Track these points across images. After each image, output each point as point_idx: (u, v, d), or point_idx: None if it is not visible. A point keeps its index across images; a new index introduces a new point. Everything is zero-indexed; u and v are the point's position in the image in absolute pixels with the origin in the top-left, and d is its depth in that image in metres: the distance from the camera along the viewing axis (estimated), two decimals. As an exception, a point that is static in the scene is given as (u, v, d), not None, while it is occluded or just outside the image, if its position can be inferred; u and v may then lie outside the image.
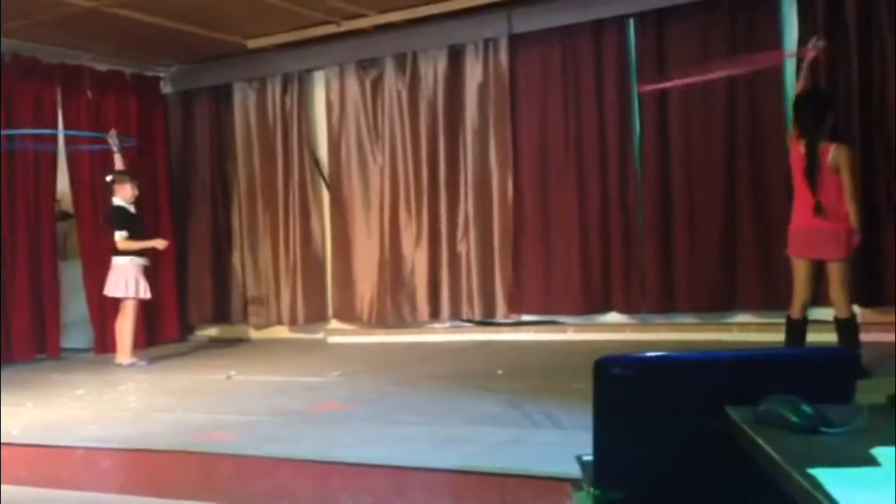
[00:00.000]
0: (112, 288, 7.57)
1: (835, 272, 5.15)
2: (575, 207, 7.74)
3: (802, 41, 6.81)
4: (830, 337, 5.35)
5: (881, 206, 6.57)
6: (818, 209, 5.07)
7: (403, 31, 8.30)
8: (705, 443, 1.89)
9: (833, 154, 5.12)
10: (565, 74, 7.83)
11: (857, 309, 6.01)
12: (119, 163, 7.91)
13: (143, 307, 7.95)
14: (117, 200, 7.62)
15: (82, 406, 5.73)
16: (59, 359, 8.25)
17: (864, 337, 5.61)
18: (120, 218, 7.56)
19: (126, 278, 7.50)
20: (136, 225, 7.67)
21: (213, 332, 9.59)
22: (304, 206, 9.00)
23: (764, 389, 1.76)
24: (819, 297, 5.57)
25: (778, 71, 6.99)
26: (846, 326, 5.14)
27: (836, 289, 5.16)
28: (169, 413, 5.30)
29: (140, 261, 7.59)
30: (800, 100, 5.45)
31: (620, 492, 1.98)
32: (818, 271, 5.28)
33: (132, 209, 7.65)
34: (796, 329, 5.24)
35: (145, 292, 7.61)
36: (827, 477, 1.35)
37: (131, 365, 7.48)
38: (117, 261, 7.57)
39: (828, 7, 6.77)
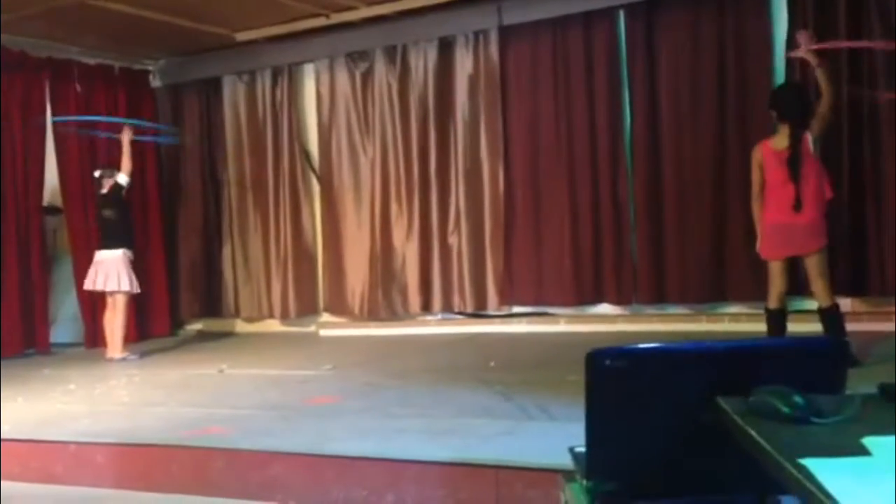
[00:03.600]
0: (101, 282, 7.55)
1: (814, 264, 5.16)
2: (566, 199, 7.74)
3: (792, 31, 6.84)
4: (811, 327, 5.38)
5: (866, 198, 6.60)
6: (798, 204, 5.05)
7: (393, 24, 8.28)
8: (697, 433, 1.90)
9: (812, 140, 5.14)
10: (555, 66, 7.82)
11: (845, 299, 6.05)
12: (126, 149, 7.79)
13: (134, 301, 7.94)
14: (105, 191, 7.72)
15: (74, 401, 5.72)
16: (49, 353, 8.23)
17: (854, 326, 5.66)
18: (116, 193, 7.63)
19: (117, 271, 7.49)
20: (126, 211, 7.72)
21: (203, 325, 9.58)
22: (295, 200, 8.99)
23: (755, 380, 1.77)
24: (803, 288, 5.60)
25: (767, 64, 7.00)
26: (831, 316, 5.16)
27: (817, 280, 5.17)
28: (161, 407, 5.29)
29: (128, 253, 7.59)
30: (780, 92, 5.45)
31: (613, 483, 1.99)
32: (792, 261, 5.30)
33: (123, 194, 7.74)
34: (777, 320, 5.25)
35: (135, 286, 7.61)
36: (818, 467, 1.36)
37: (123, 359, 7.47)
38: (104, 255, 7.56)
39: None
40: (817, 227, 5.13)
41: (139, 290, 7.76)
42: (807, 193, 5.06)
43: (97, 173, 7.80)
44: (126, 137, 7.85)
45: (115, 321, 7.56)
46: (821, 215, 5.13)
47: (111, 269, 7.52)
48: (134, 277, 7.60)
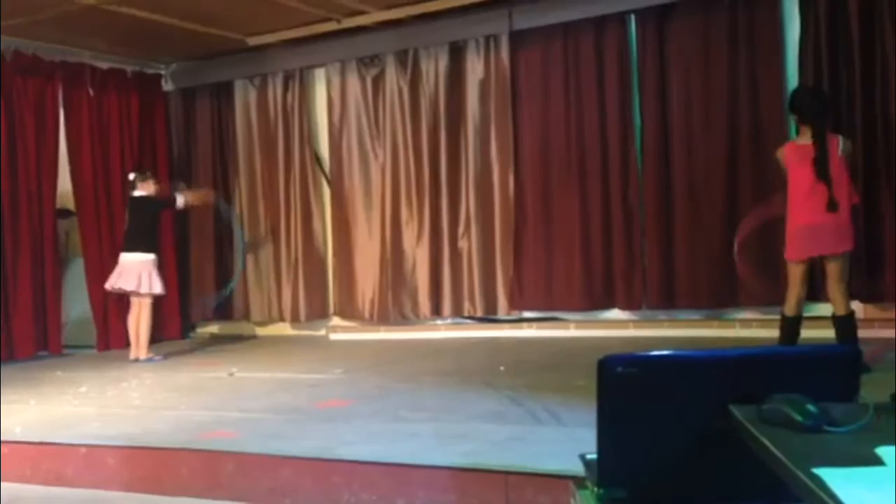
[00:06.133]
0: (130, 283, 7.60)
1: (836, 268, 5.11)
2: (576, 204, 7.74)
3: (803, 43, 6.83)
4: (821, 333, 5.35)
5: (882, 201, 6.57)
6: (832, 205, 4.99)
7: (404, 28, 8.29)
8: (709, 442, 1.89)
9: (843, 145, 5.12)
10: (566, 71, 7.82)
11: (858, 304, 6.02)
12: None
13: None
14: (140, 192, 7.78)
15: (85, 403, 5.74)
16: (61, 356, 8.26)
17: (866, 332, 5.62)
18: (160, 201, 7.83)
19: (145, 274, 7.56)
20: (157, 217, 7.89)
21: (214, 329, 9.60)
22: (306, 203, 9.00)
23: (768, 388, 1.76)
24: (817, 293, 5.57)
25: (779, 68, 6.99)
26: (845, 323, 5.12)
27: (836, 285, 5.13)
28: (172, 410, 5.30)
29: (153, 256, 7.67)
30: (798, 95, 5.43)
31: (624, 490, 1.98)
32: (812, 268, 5.28)
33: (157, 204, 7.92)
34: (792, 327, 5.21)
35: (161, 288, 7.72)
36: (832, 477, 1.35)
37: (149, 360, 7.53)
38: (132, 257, 7.61)
39: (829, 7, 6.75)
40: (846, 229, 5.08)
41: (165, 292, 7.90)
42: (836, 194, 5.01)
43: (131, 176, 7.86)
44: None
45: (141, 323, 7.63)
46: (849, 218, 5.10)
47: (138, 272, 7.58)
48: (158, 279, 7.70)
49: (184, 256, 9.50)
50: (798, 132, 5.27)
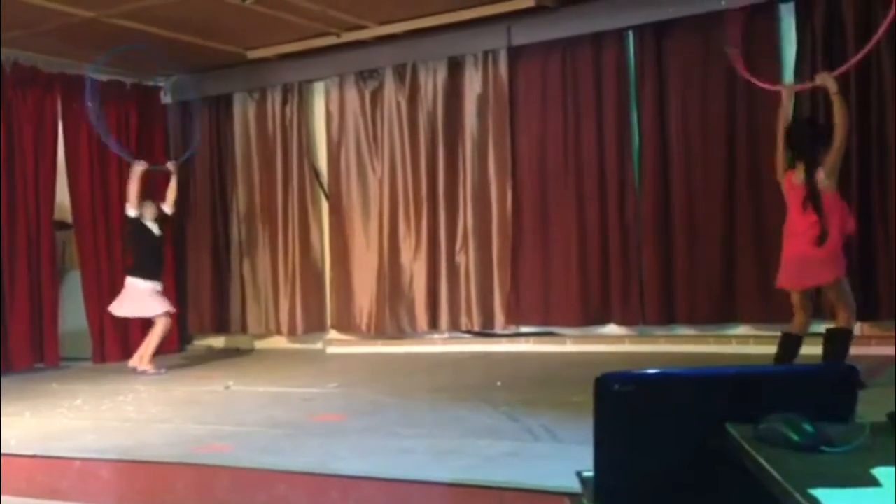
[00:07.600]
0: (141, 308, 7.76)
1: (831, 295, 5.22)
2: (574, 219, 7.74)
3: (800, 54, 6.86)
4: (818, 349, 5.35)
5: (876, 218, 6.58)
6: (822, 238, 5.04)
7: (403, 43, 8.31)
8: (706, 460, 1.89)
9: (824, 177, 5.14)
10: (564, 87, 7.84)
11: (856, 322, 6.02)
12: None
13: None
14: (148, 219, 7.93)
15: (81, 416, 5.72)
16: (58, 368, 8.24)
17: (864, 350, 5.64)
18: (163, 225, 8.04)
19: (145, 296, 7.71)
20: (162, 243, 8.12)
21: (211, 342, 9.58)
22: (304, 217, 9.00)
23: (765, 406, 1.76)
24: (817, 312, 5.59)
25: (776, 84, 6.99)
26: (836, 336, 5.13)
27: (835, 305, 5.22)
28: (167, 424, 5.29)
29: (157, 286, 7.85)
30: (793, 128, 5.42)
31: (620, 508, 1.97)
32: (813, 291, 5.32)
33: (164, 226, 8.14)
34: (791, 345, 5.23)
35: (171, 305, 7.91)
36: (828, 497, 1.35)
37: (143, 372, 7.59)
38: (139, 283, 7.72)
39: (826, 19, 6.78)
40: (832, 259, 5.12)
41: (175, 309, 8.04)
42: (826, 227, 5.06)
43: (145, 205, 7.92)
44: (173, 168, 8.23)
45: (152, 335, 7.72)
46: (836, 248, 5.13)
47: (142, 296, 7.71)
48: (165, 300, 7.86)
49: (181, 269, 9.48)
50: (794, 165, 5.27)
